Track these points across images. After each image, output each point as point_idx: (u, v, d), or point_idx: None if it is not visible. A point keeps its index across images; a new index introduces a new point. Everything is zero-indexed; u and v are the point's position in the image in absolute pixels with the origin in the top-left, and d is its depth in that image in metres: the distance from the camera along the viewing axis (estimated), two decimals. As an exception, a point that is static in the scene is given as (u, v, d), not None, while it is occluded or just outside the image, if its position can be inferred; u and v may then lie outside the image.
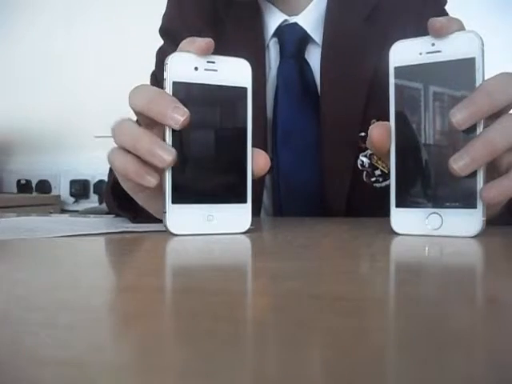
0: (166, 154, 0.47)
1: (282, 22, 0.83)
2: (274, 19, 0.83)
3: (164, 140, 0.49)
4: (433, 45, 0.48)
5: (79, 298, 0.24)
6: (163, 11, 0.92)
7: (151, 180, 0.48)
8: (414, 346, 0.17)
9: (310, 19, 0.82)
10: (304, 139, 0.79)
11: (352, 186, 0.76)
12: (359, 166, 0.77)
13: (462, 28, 0.48)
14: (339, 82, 0.78)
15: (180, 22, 0.87)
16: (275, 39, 0.84)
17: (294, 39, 0.82)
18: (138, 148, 0.48)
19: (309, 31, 0.81)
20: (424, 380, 0.14)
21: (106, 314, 0.22)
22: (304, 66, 0.81)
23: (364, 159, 0.77)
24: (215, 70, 0.51)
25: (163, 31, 0.91)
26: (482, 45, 0.46)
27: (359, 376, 0.14)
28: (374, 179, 0.77)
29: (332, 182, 0.77)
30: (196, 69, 0.50)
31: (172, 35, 0.87)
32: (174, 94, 0.49)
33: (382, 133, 0.50)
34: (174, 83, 0.49)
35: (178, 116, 0.47)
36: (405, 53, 0.49)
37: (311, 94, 0.80)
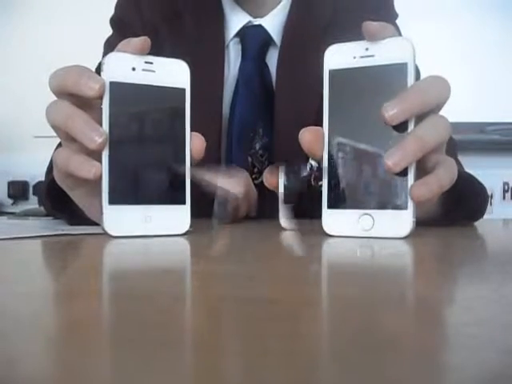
0: (97, 134, 0.46)
1: (247, 23, 0.82)
2: (238, 19, 0.82)
3: None
4: (367, 49, 0.49)
5: (12, 305, 0.24)
6: None
7: (91, 170, 0.47)
8: (348, 350, 0.17)
9: (275, 23, 0.82)
10: (259, 140, 0.79)
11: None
12: (308, 168, 0.77)
13: (394, 34, 0.49)
14: (293, 83, 0.79)
15: (134, 14, 0.84)
16: (237, 39, 0.83)
17: (257, 41, 0.82)
18: (69, 126, 0.47)
19: (272, 35, 0.81)
20: None
21: (38, 321, 0.22)
22: (264, 68, 0.81)
23: (313, 163, 0.77)
24: (153, 71, 0.50)
25: (114, 21, 0.87)
26: (414, 51, 0.48)
27: (293, 382, 0.14)
28: (320, 183, 0.78)
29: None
30: (133, 69, 0.50)
31: (124, 27, 0.84)
32: (111, 94, 0.48)
33: (312, 138, 0.51)
34: (111, 83, 0.48)
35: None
36: (339, 56, 0.50)
37: (269, 96, 0.80)
